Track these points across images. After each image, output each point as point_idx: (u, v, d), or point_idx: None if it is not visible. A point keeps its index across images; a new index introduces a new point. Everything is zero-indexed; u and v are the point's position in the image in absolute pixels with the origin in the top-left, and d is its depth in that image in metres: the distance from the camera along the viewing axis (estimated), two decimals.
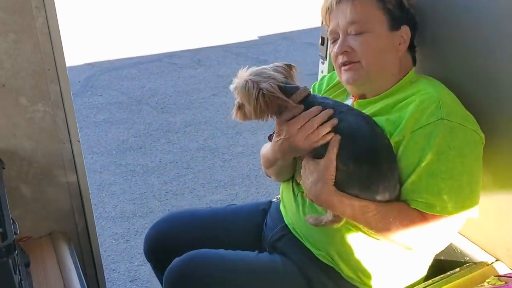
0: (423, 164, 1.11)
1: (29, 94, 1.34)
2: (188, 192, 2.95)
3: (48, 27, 1.29)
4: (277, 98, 1.13)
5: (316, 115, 1.13)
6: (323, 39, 1.69)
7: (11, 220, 1.08)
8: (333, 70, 1.68)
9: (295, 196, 1.33)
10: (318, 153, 1.15)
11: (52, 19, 1.29)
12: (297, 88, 1.18)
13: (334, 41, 1.27)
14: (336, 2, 1.24)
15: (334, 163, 1.11)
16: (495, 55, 1.18)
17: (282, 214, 1.38)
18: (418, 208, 1.12)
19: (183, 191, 2.96)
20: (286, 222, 1.35)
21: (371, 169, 1.12)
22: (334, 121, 1.13)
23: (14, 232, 1.06)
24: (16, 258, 1.08)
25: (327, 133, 1.13)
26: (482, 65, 1.22)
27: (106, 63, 4.82)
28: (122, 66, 4.75)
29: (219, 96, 4.11)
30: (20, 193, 1.43)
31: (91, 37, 5.44)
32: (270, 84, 1.13)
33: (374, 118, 1.19)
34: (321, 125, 1.13)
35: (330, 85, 1.42)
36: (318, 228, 1.22)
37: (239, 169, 3.16)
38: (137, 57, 4.96)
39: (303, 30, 5.60)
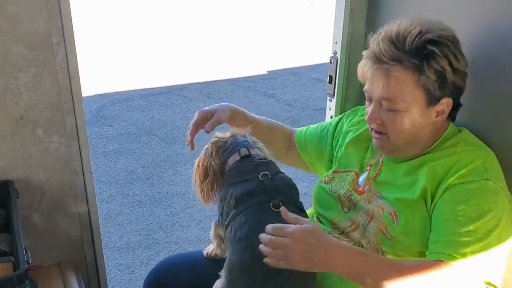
0: (457, 219, 1.09)
1: (45, 126, 1.39)
2: (195, 224, 2.96)
3: (67, 62, 1.35)
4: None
5: None
6: (331, 77, 1.73)
7: (24, 250, 1.11)
8: (340, 106, 1.74)
9: None
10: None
11: (71, 55, 1.35)
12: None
13: (369, 100, 1.20)
14: (372, 66, 1.14)
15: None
16: None
17: None
18: (441, 259, 1.07)
19: (189, 223, 2.97)
20: None
21: None
22: None
23: (26, 261, 1.08)
24: (26, 287, 1.09)
25: None
26: None
27: (117, 94, 4.91)
28: (132, 97, 4.83)
29: (227, 129, 4.15)
30: (32, 222, 1.46)
31: (102, 68, 5.56)
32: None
33: (410, 176, 1.18)
34: None
35: (353, 123, 1.39)
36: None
37: None
38: (147, 89, 5.05)
39: (310, 65, 5.70)
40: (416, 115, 1.14)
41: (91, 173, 1.47)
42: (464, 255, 1.07)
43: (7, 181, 1.37)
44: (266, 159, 1.29)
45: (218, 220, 1.30)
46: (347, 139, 1.37)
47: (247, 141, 1.32)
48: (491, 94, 1.26)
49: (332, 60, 1.71)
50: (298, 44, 6.49)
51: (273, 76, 5.43)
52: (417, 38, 1.09)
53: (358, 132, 1.35)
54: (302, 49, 6.25)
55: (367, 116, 1.19)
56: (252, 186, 1.21)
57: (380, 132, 1.19)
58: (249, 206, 1.19)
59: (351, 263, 1.05)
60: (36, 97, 1.35)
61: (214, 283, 1.17)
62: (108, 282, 1.67)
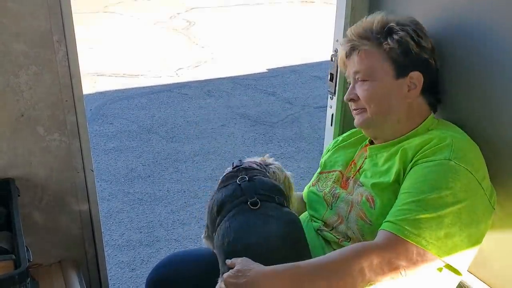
0: (409, 192, 1.11)
1: (46, 124, 1.38)
2: (195, 222, 2.96)
3: (68, 60, 1.34)
4: None
5: None
6: (332, 75, 1.73)
7: (25, 248, 1.10)
8: (341, 104, 1.74)
9: (317, 234, 1.30)
10: None
11: (72, 53, 1.34)
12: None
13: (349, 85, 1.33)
14: (347, 54, 1.30)
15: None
16: None
17: None
18: (390, 230, 1.08)
19: (190, 221, 2.97)
20: None
21: None
22: None
23: (28, 259, 1.08)
24: (27, 285, 1.09)
25: None
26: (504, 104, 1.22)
27: (117, 92, 4.90)
28: (133, 96, 4.83)
29: (227, 127, 4.15)
30: (33, 220, 1.45)
31: (103, 66, 5.56)
32: None
33: (388, 162, 1.21)
34: None
35: (347, 135, 1.47)
36: None
37: None
38: (147, 87, 5.05)
39: (311, 63, 5.69)
40: (386, 86, 1.24)
41: (92, 171, 1.47)
42: (406, 222, 1.07)
43: (8, 179, 1.37)
44: (251, 167, 1.31)
45: (205, 232, 1.31)
46: (337, 145, 1.44)
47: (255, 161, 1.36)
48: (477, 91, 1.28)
49: (333, 58, 1.70)
50: (299, 42, 6.47)
51: (273, 74, 5.42)
52: (380, 20, 1.26)
53: (350, 139, 1.43)
54: (303, 47, 6.24)
55: (345, 96, 1.32)
56: (229, 190, 1.25)
57: (358, 109, 1.29)
58: (229, 211, 1.21)
59: (282, 283, 1.08)
60: (37, 95, 1.35)
61: (216, 281, 1.17)
62: (108, 280, 1.66)
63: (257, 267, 1.09)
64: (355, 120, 1.32)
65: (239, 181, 1.25)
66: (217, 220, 1.22)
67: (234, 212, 1.20)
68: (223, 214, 1.22)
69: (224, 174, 1.32)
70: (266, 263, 1.10)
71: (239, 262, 1.11)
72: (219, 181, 1.32)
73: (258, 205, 1.19)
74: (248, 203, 1.20)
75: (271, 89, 4.97)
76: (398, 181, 1.17)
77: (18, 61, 1.30)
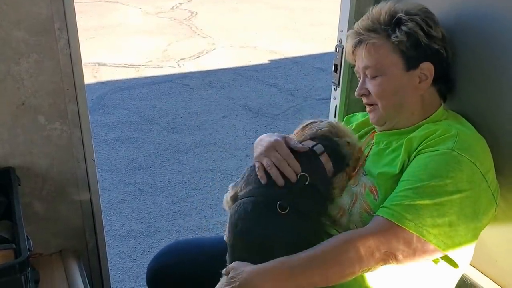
0: (408, 180, 1.10)
1: (47, 113, 1.37)
2: (196, 213, 2.96)
3: (70, 48, 1.32)
4: None
5: None
6: (336, 66, 1.71)
7: (26, 237, 1.10)
8: (345, 95, 1.73)
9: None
10: None
11: (73, 41, 1.32)
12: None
13: (359, 79, 1.30)
14: (353, 47, 1.27)
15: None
16: None
17: None
18: (383, 215, 1.07)
19: (191, 212, 2.97)
20: None
21: None
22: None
23: (28, 249, 1.07)
24: (28, 275, 1.09)
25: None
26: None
27: (118, 82, 4.89)
28: (134, 86, 4.81)
29: (229, 118, 4.14)
30: (33, 209, 1.45)
31: (104, 56, 5.53)
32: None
33: (395, 153, 1.20)
34: None
35: (361, 121, 1.44)
36: None
37: None
38: (149, 77, 5.03)
39: (314, 55, 5.66)
40: (397, 79, 1.21)
41: (94, 160, 1.46)
42: (400, 207, 1.06)
43: (9, 168, 1.36)
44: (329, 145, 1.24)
45: (233, 190, 1.28)
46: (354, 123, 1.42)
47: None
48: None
49: (337, 49, 1.68)
50: (301, 33, 6.44)
51: (275, 65, 5.40)
52: (388, 11, 1.23)
53: (361, 130, 1.40)
54: (305, 38, 6.21)
55: (356, 91, 1.29)
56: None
57: (371, 104, 1.27)
58: (253, 195, 1.18)
59: (275, 279, 1.07)
60: (38, 83, 1.33)
61: (218, 271, 1.16)
62: (109, 270, 1.66)
63: (247, 268, 1.08)
64: (369, 116, 1.30)
65: (298, 176, 1.17)
66: (242, 192, 1.20)
67: (258, 200, 1.16)
68: (247, 192, 1.20)
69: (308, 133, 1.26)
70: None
71: (231, 268, 1.11)
72: (303, 134, 1.27)
73: (285, 211, 1.14)
74: (277, 205, 1.14)
75: (273, 81, 4.95)
76: (402, 172, 1.16)
77: (19, 48, 1.28)
